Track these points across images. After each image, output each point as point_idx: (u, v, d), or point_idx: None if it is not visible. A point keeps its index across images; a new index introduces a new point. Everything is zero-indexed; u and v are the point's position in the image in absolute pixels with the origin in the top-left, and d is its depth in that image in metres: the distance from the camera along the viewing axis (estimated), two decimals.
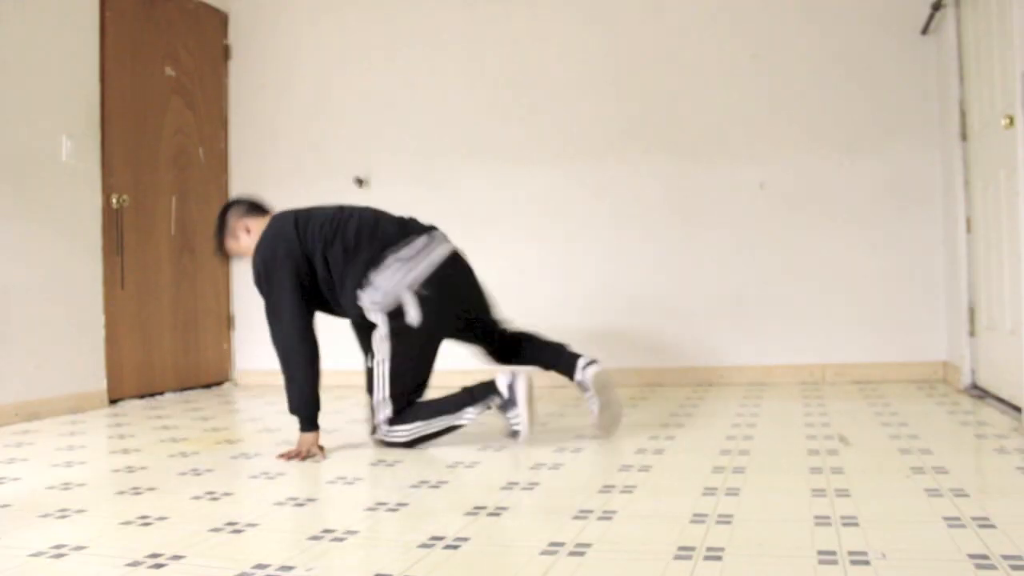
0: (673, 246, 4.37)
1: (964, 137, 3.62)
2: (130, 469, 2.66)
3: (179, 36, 4.78)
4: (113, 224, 4.29)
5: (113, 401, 4.27)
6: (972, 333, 3.60)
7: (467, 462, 2.60)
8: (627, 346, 4.41)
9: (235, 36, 5.13)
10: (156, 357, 4.56)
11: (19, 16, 3.84)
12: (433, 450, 2.81)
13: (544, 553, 1.66)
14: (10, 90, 3.79)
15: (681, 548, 1.66)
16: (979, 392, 3.50)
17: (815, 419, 3.12)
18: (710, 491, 2.10)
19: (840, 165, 4.18)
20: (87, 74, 4.19)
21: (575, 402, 3.84)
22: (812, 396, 3.72)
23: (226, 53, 5.11)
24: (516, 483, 2.28)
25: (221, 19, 5.08)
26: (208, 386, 4.92)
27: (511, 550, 1.71)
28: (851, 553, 1.58)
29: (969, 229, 3.59)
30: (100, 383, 4.18)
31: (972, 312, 3.59)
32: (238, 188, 5.08)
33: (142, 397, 4.45)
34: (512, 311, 4.57)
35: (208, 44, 5.00)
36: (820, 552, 1.60)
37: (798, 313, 4.22)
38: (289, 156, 4.99)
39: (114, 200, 4.29)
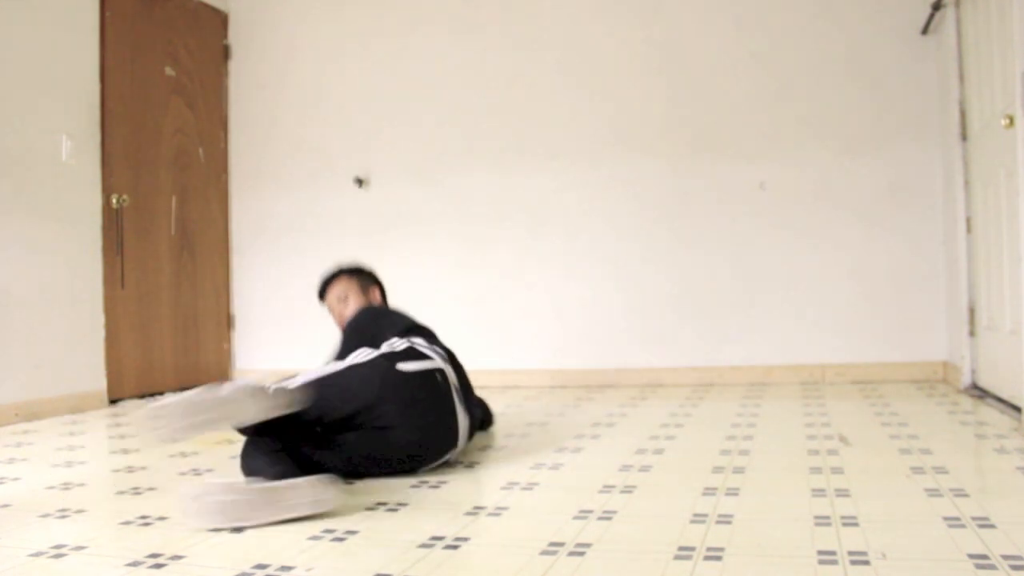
0: (672, 245, 4.36)
1: (964, 137, 3.61)
2: (130, 469, 2.66)
3: (179, 36, 4.78)
4: (113, 224, 4.29)
5: (113, 401, 4.26)
6: (972, 333, 3.60)
7: (467, 462, 2.60)
8: (627, 346, 4.41)
9: (235, 36, 5.12)
10: (156, 357, 4.56)
11: (19, 16, 3.84)
12: None
13: (544, 553, 1.66)
14: (10, 90, 3.79)
15: (681, 548, 1.65)
16: (979, 392, 3.49)
17: (815, 419, 3.11)
18: (710, 491, 2.09)
19: (840, 165, 4.17)
20: (87, 74, 4.18)
21: (575, 402, 3.84)
22: (812, 396, 3.71)
23: (226, 53, 5.11)
24: (516, 483, 2.28)
25: (221, 19, 5.08)
26: None
27: (511, 550, 1.71)
28: (851, 553, 1.58)
29: (969, 229, 3.59)
30: (100, 383, 4.18)
31: (972, 312, 3.59)
32: (238, 188, 5.08)
33: (142, 397, 4.45)
34: (511, 310, 4.60)
35: (208, 44, 4.99)
36: (820, 552, 1.60)
37: (798, 313, 4.22)
38: (289, 156, 4.99)
39: (114, 200, 4.29)
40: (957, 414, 3.13)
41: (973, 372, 3.61)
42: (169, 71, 4.71)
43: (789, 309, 4.23)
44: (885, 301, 4.13)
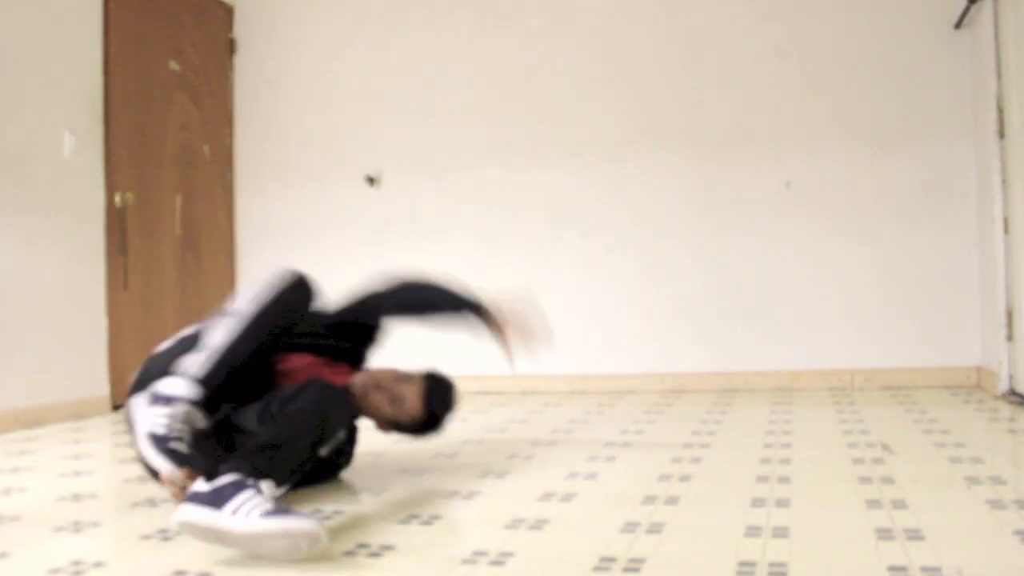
0: (695, 247, 4.26)
1: (1002, 134, 3.52)
2: (142, 479, 2.53)
3: (184, 29, 4.67)
4: (116, 223, 4.18)
5: (116, 407, 4.14)
6: (1010, 337, 3.49)
7: (497, 472, 2.49)
8: (647, 351, 4.30)
9: (241, 29, 5.01)
10: None
11: (20, 8, 3.74)
12: (459, 460, 2.71)
13: (597, 569, 1.56)
14: (11, 84, 3.69)
15: (742, 563, 1.56)
16: (1018, 398, 3.38)
17: (852, 426, 3.01)
18: (759, 502, 2.00)
19: (869, 163, 4.08)
20: (90, 68, 4.09)
21: (597, 408, 3.74)
22: (844, 402, 3.61)
23: (231, 47, 5.00)
24: (553, 494, 2.18)
25: (226, 12, 4.97)
26: None
27: (557, 566, 1.61)
28: (924, 569, 1.49)
29: (1007, 230, 3.49)
30: (103, 388, 4.07)
31: (1010, 315, 3.49)
32: (244, 186, 4.96)
33: None
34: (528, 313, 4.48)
35: (213, 38, 4.88)
36: (890, 568, 1.51)
37: (826, 316, 4.11)
38: (297, 153, 4.88)
39: (117, 198, 4.18)
40: (999, 421, 3.05)
41: (1011, 378, 3.50)
42: (174, 65, 4.60)
43: (816, 312, 4.12)
44: (916, 304, 4.03)
